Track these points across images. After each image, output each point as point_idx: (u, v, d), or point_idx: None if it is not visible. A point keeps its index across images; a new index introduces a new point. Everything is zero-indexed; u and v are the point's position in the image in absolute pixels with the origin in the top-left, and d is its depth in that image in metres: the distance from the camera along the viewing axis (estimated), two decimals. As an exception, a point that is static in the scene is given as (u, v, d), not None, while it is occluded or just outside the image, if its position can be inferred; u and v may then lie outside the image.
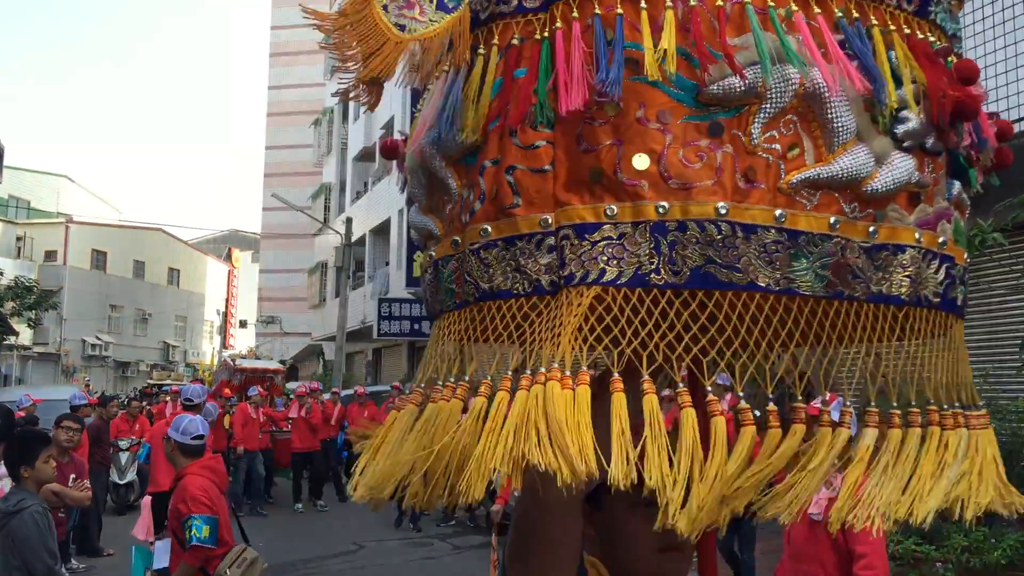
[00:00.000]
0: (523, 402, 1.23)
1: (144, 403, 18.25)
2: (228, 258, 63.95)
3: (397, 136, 1.88)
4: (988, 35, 8.21)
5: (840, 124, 1.34)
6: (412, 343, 27.05)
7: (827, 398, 1.53)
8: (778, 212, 1.32)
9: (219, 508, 4.96)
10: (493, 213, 1.42)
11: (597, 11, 1.37)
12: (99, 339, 50.75)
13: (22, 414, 11.30)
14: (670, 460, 1.22)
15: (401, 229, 23.59)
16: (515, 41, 1.43)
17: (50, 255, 49.05)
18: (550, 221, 1.37)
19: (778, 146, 1.34)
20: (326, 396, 16.31)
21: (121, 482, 12.58)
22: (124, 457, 12.20)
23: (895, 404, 1.42)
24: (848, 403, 1.39)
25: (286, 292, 52.77)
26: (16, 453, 4.59)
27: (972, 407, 1.48)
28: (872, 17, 1.41)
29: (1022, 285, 7.82)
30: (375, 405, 16.58)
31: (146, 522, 6.78)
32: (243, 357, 18.61)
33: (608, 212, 1.33)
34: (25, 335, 39.81)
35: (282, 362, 35.73)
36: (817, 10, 1.37)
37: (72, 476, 6.47)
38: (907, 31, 1.45)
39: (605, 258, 1.32)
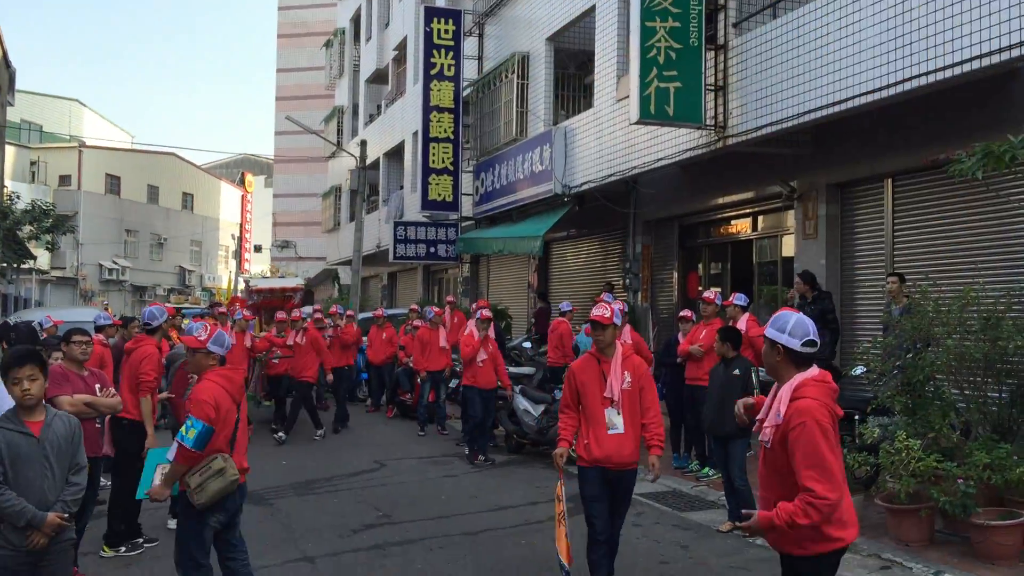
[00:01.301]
0: None
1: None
2: (241, 182, 63.73)
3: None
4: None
5: None
6: (427, 266, 27.08)
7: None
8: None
9: (223, 419, 5.19)
10: None
11: None
12: (116, 263, 51.06)
13: (45, 335, 11.38)
14: None
15: (415, 152, 23.38)
16: None
17: (64, 179, 49.06)
18: None
19: None
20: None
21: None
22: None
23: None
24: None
25: (300, 216, 52.70)
26: None
27: None
28: None
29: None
30: (393, 327, 16.67)
31: None
32: (265, 277, 17.65)
33: None
34: (43, 259, 40.05)
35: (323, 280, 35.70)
36: None
37: (98, 386, 6.54)
38: None
39: None
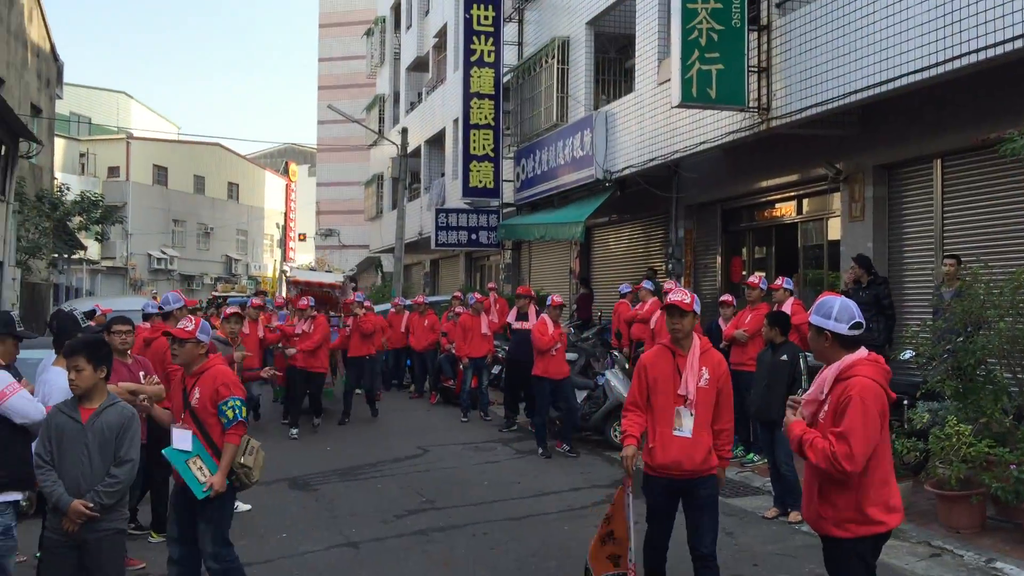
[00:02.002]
0: None
1: (210, 311, 18.78)
2: (285, 172, 64.32)
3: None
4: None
5: None
6: (469, 253, 27.13)
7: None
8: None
9: None
10: None
11: None
12: (164, 253, 51.89)
13: (94, 323, 11.61)
14: None
15: (456, 139, 23.38)
16: None
17: (113, 171, 49.89)
18: None
19: None
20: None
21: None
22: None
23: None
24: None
25: (343, 204, 53.06)
26: None
27: None
28: None
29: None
30: (435, 314, 16.73)
31: None
32: (311, 269, 16.88)
33: None
34: (93, 249, 40.80)
35: (351, 278, 36.01)
36: None
37: (141, 373, 6.61)
38: None
39: None
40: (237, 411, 5.24)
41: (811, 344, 4.16)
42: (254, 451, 5.40)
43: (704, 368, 5.07)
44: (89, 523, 4.34)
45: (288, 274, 15.70)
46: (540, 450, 10.88)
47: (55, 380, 5.32)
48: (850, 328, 3.94)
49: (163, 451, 5.16)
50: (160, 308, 8.19)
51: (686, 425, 5.01)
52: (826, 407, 3.95)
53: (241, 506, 8.12)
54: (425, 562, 6.72)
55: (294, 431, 12.40)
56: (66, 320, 6.50)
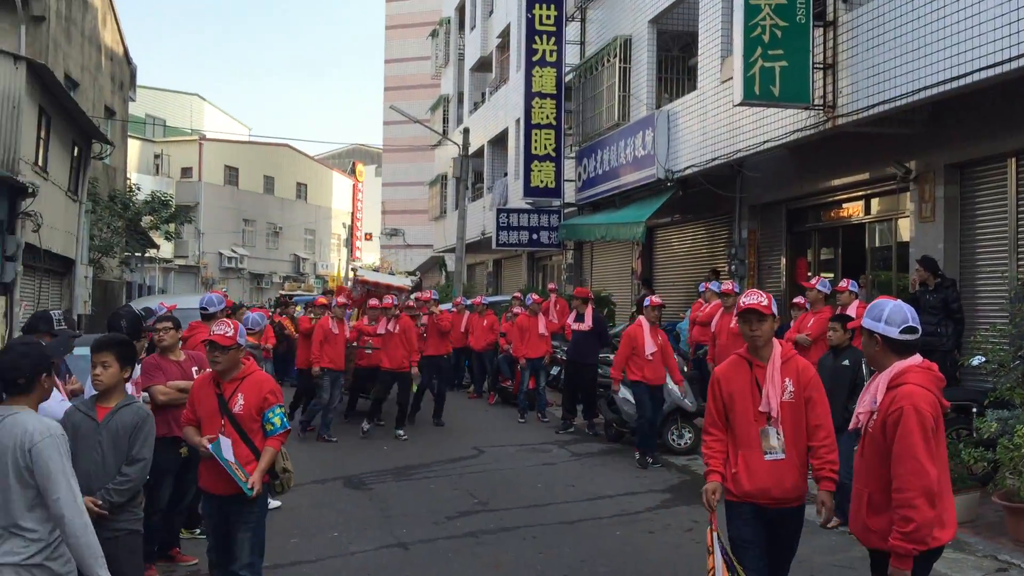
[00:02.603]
0: None
1: (277, 310, 19.01)
2: (353, 172, 65.09)
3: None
4: None
5: None
6: (531, 253, 27.07)
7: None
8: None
9: None
10: None
11: None
12: (235, 252, 52.94)
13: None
14: None
15: (518, 139, 23.35)
16: None
17: (186, 171, 51.07)
18: None
19: None
20: (444, 307, 14.96)
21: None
22: (254, 365, 12.71)
23: None
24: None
25: (408, 205, 53.55)
26: None
27: None
28: None
29: None
30: (494, 314, 16.71)
31: None
32: (375, 270, 16.15)
33: None
34: (166, 248, 41.80)
35: (411, 274, 36.18)
36: None
37: (195, 368, 6.56)
38: None
39: None
40: (284, 419, 5.23)
41: (864, 348, 4.02)
42: (287, 457, 5.44)
43: (787, 379, 4.40)
44: (102, 523, 4.19)
45: (357, 273, 15.28)
46: (637, 455, 10.40)
47: None
48: (901, 332, 3.78)
49: (211, 447, 5.09)
50: (204, 309, 8.17)
51: (776, 446, 4.34)
52: (875, 416, 3.80)
53: (272, 503, 8.16)
54: (473, 564, 6.68)
55: (367, 426, 12.36)
56: (126, 317, 6.55)
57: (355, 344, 13.08)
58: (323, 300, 13.86)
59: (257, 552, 5.22)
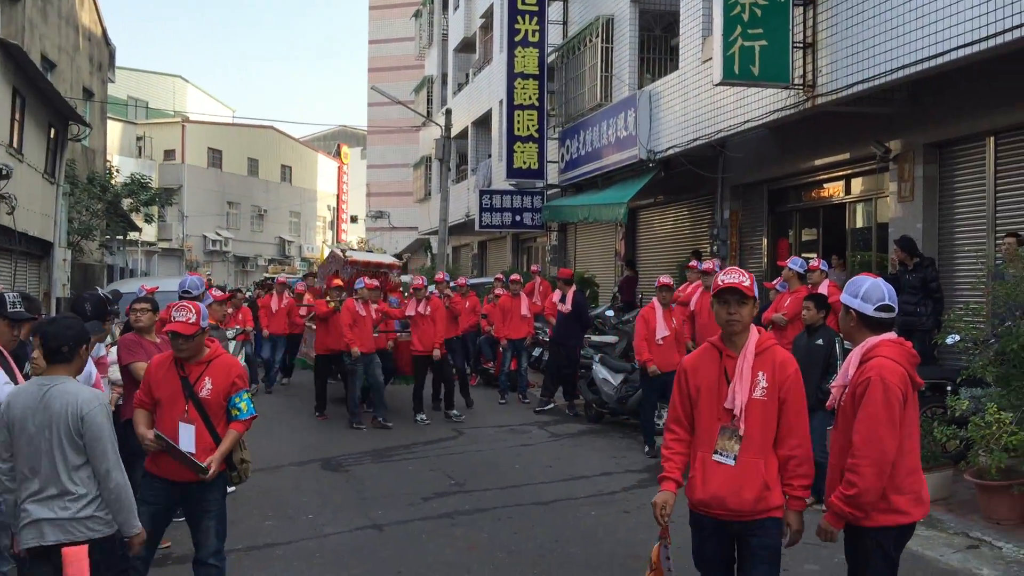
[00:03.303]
0: None
1: (251, 294, 18.93)
2: (337, 154, 64.78)
3: None
4: None
5: None
6: (516, 235, 27.01)
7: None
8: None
9: None
10: None
11: None
12: (219, 235, 52.65)
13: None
14: None
15: (501, 120, 23.23)
16: None
17: (169, 154, 50.68)
18: None
19: None
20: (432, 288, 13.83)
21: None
22: (232, 347, 12.52)
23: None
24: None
25: (393, 187, 53.32)
26: None
27: None
28: None
29: None
30: (476, 296, 16.65)
31: None
32: (353, 249, 15.28)
33: None
34: (149, 231, 41.53)
35: (397, 256, 36.03)
36: None
37: None
38: None
39: None
40: (251, 405, 5.05)
41: (840, 323, 4.04)
42: (244, 446, 5.21)
43: (761, 373, 3.78)
44: None
45: (345, 254, 14.44)
46: (646, 448, 9.84)
47: None
48: (877, 309, 3.78)
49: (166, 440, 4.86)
50: (187, 292, 8.07)
51: (728, 449, 3.78)
52: (847, 390, 3.80)
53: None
54: (448, 545, 6.66)
55: (422, 416, 11.91)
56: (94, 301, 6.47)
57: (378, 328, 12.55)
58: (339, 281, 13.00)
59: (222, 537, 5.07)
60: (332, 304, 12.28)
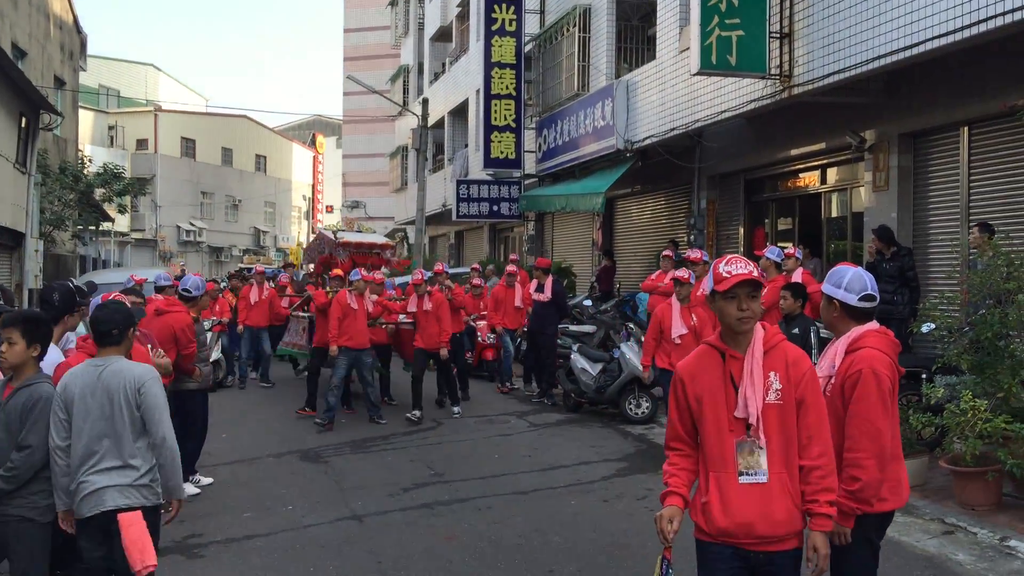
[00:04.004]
0: None
1: (226, 284, 18.72)
2: (313, 144, 64.38)
3: None
4: None
5: None
6: (493, 225, 26.98)
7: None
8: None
9: None
10: None
11: None
12: (193, 225, 52.23)
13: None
14: None
15: (478, 110, 23.17)
16: None
17: (141, 143, 50.16)
18: None
19: None
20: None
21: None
22: (208, 337, 12.37)
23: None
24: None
25: (369, 176, 53.10)
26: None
27: None
28: None
29: None
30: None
31: None
32: (342, 230, 14.01)
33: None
34: (122, 222, 41.12)
35: (389, 236, 35.71)
36: None
37: (148, 346, 6.42)
38: None
39: None
40: None
41: (822, 314, 4.03)
42: None
43: (773, 373, 3.29)
44: None
45: (336, 236, 13.38)
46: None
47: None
48: (860, 299, 3.79)
49: None
50: (186, 291, 8.18)
51: (756, 465, 3.25)
52: (832, 381, 3.81)
53: (203, 479, 8.17)
54: (427, 535, 6.65)
55: (417, 413, 11.24)
56: (62, 291, 6.38)
57: (381, 322, 12.18)
58: (338, 272, 12.41)
59: None
60: (330, 294, 11.87)
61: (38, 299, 5.65)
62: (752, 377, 3.29)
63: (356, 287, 11.35)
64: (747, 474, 3.26)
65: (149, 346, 6.51)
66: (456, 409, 11.79)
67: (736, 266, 3.33)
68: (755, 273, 3.31)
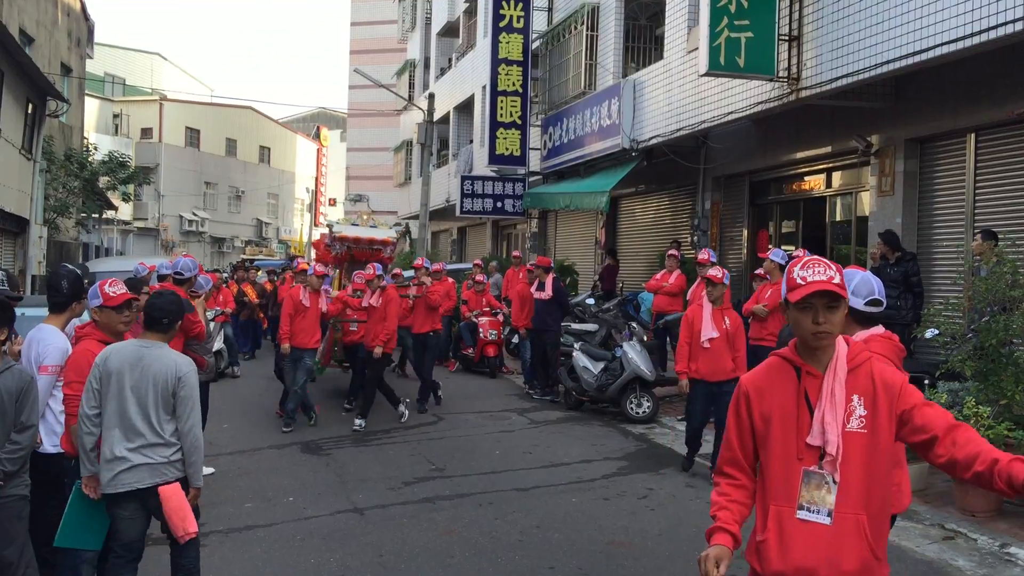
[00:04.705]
0: None
1: (230, 275, 18.79)
2: (317, 136, 64.35)
3: None
4: None
5: None
6: (496, 221, 26.98)
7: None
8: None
9: None
10: None
11: None
12: (195, 215, 52.22)
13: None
14: None
15: (484, 106, 23.16)
16: None
17: (146, 132, 50.14)
18: None
19: None
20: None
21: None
22: (211, 327, 12.38)
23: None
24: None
25: (373, 170, 53.11)
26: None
27: None
28: None
29: None
30: (455, 282, 16.62)
31: None
32: (353, 224, 13.33)
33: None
34: (125, 210, 41.12)
35: (397, 225, 35.67)
36: None
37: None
38: None
39: None
40: None
41: None
42: None
43: (857, 396, 2.79)
44: None
45: (333, 229, 12.65)
46: (685, 463, 8.51)
47: (50, 339, 5.09)
48: (866, 304, 3.79)
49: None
50: (179, 274, 8.12)
51: (819, 502, 2.77)
52: None
53: (205, 469, 8.10)
54: (428, 530, 6.68)
55: (360, 422, 10.50)
56: (71, 279, 6.39)
57: (340, 320, 11.81)
58: (304, 265, 11.81)
59: None
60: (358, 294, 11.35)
61: (45, 285, 5.65)
62: (832, 399, 2.79)
63: (309, 283, 10.83)
64: (807, 509, 2.77)
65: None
66: (358, 422, 10.53)
67: (813, 271, 2.81)
68: (836, 280, 2.77)
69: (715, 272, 8.31)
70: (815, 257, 2.89)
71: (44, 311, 6.56)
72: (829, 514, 2.74)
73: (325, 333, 11.70)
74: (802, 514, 2.77)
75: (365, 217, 14.45)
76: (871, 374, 2.81)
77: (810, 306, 2.78)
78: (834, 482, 2.74)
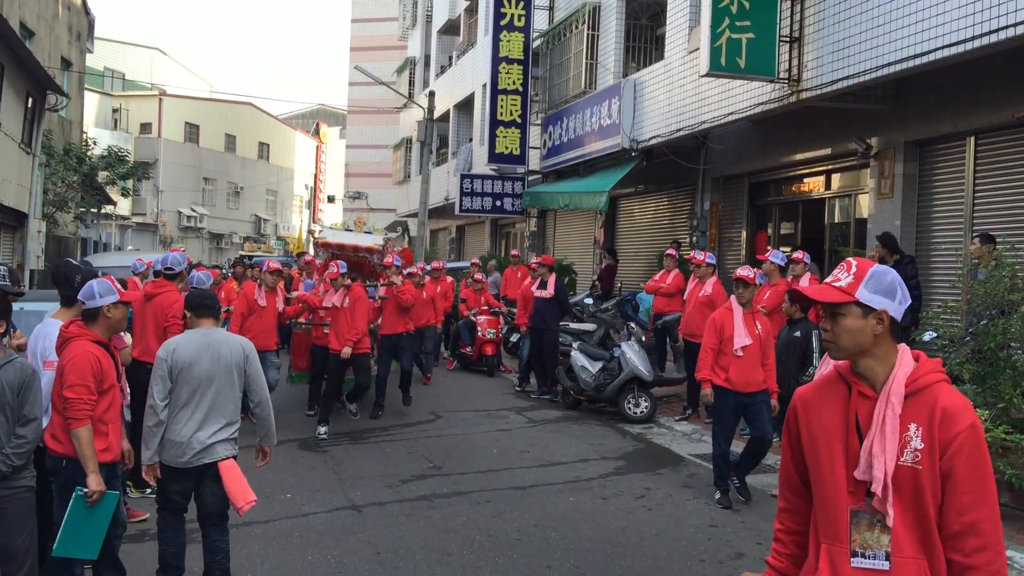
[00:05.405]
0: None
1: (231, 271, 18.78)
2: (316, 133, 64.33)
3: None
4: None
5: None
6: (495, 220, 26.98)
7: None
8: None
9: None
10: None
11: None
12: (194, 211, 52.20)
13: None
14: None
15: (484, 104, 23.17)
16: None
17: (145, 127, 50.10)
18: None
19: None
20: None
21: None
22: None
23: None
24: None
25: (372, 168, 53.11)
26: None
27: None
28: None
29: None
30: (448, 279, 16.60)
31: None
32: (348, 230, 12.77)
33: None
34: (124, 205, 41.08)
35: (392, 230, 35.59)
36: None
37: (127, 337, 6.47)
38: None
39: None
40: None
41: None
42: None
43: (914, 426, 2.35)
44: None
45: (317, 234, 12.20)
46: (717, 494, 7.48)
47: (56, 334, 5.09)
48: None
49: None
50: (170, 269, 8.00)
51: (875, 545, 2.38)
52: None
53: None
54: (425, 527, 6.68)
55: (323, 429, 9.94)
56: (84, 275, 6.38)
57: (301, 321, 11.33)
58: (276, 265, 11.24)
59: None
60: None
61: (54, 278, 5.64)
62: (884, 428, 2.36)
63: (265, 281, 10.43)
64: (862, 555, 2.39)
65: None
66: (322, 430, 9.96)
67: (833, 275, 2.52)
68: (842, 282, 2.48)
69: (745, 272, 7.50)
70: (856, 259, 2.56)
71: (44, 306, 6.61)
72: (887, 557, 2.37)
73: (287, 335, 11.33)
74: (857, 561, 2.40)
75: (362, 221, 13.77)
76: (932, 403, 2.37)
77: (823, 313, 2.51)
78: (885, 524, 2.36)
